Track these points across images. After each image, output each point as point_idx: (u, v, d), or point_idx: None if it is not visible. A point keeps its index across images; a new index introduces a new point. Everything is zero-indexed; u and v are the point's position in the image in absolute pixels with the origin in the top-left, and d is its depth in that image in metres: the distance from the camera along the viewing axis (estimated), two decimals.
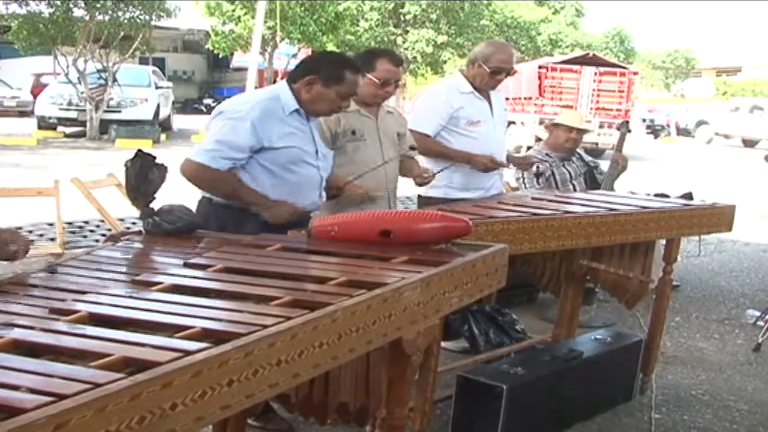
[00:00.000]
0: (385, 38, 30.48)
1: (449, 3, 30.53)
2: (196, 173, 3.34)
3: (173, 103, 24.45)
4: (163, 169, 3.00)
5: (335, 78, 3.36)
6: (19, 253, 2.47)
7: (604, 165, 6.04)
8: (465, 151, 4.47)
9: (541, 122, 18.30)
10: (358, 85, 3.50)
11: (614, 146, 6.10)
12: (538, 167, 5.56)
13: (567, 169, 5.68)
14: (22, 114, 25.40)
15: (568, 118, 5.84)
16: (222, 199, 3.41)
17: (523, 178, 5.58)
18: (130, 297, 2.12)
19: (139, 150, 3.03)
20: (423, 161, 4.48)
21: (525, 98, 20.43)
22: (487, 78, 4.48)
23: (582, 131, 5.76)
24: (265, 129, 3.31)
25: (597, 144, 18.29)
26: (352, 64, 3.50)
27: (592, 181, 5.82)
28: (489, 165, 4.48)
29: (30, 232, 7.66)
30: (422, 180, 4.19)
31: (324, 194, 3.60)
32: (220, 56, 29.39)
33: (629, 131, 6.48)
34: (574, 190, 5.53)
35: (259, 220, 3.34)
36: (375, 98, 3.99)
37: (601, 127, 18.98)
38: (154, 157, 3.00)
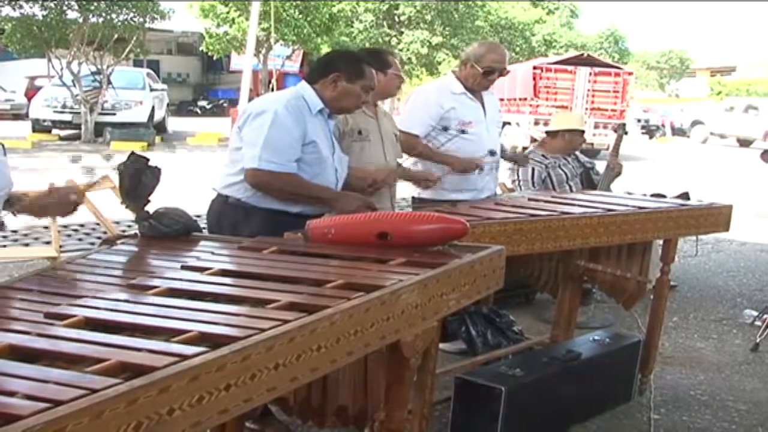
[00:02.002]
0: (380, 39, 30.46)
1: (443, 4, 30.53)
2: (268, 181, 3.35)
3: (168, 105, 24.51)
4: (156, 172, 2.97)
5: (357, 73, 3.46)
6: (79, 198, 2.81)
7: (600, 166, 6.05)
8: (449, 154, 4.43)
9: (536, 123, 18.36)
10: (375, 78, 3.58)
11: (609, 147, 6.10)
12: (533, 168, 5.58)
13: (563, 171, 5.69)
14: (17, 117, 25.43)
15: (576, 121, 5.90)
16: (273, 200, 3.42)
17: (519, 180, 5.58)
18: (127, 301, 2.11)
19: (132, 152, 3.01)
20: (409, 162, 4.51)
21: (520, 99, 20.43)
22: (479, 78, 4.47)
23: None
24: (305, 125, 3.37)
25: (592, 144, 18.30)
26: (365, 59, 3.60)
27: (589, 182, 5.82)
28: (471, 167, 4.41)
29: (25, 235, 7.65)
30: (426, 185, 4.25)
31: None
32: (215, 58, 29.37)
33: (626, 133, 6.50)
34: (571, 191, 5.54)
35: (267, 218, 3.37)
36: (396, 90, 4.19)
37: (596, 127, 19.01)
38: (148, 159, 2.97)
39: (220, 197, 3.54)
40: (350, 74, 3.44)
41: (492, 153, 4.58)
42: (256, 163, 3.31)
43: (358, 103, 3.56)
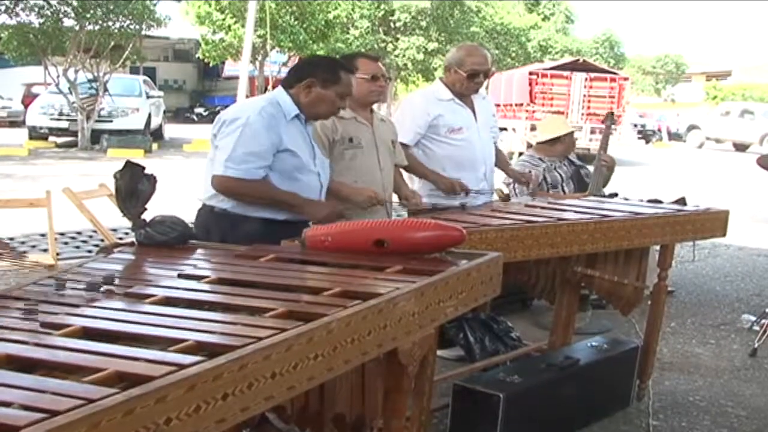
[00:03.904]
0: (376, 45, 30.44)
1: (439, 10, 30.54)
2: (234, 188, 3.34)
3: (164, 112, 24.46)
4: (152, 180, 2.98)
5: (332, 79, 3.42)
6: None
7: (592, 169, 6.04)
8: (436, 172, 4.41)
9: (532, 128, 18.38)
10: (352, 84, 3.54)
11: (600, 145, 6.04)
12: (530, 171, 5.61)
13: (559, 173, 5.76)
14: (13, 124, 25.39)
15: (565, 124, 5.95)
16: (259, 207, 3.39)
17: (515, 185, 5.59)
18: (124, 310, 2.10)
19: (128, 161, 3.01)
20: (405, 176, 4.49)
21: (516, 105, 20.47)
22: (465, 82, 4.44)
23: None
24: (278, 131, 3.34)
25: (589, 150, 18.31)
26: (343, 64, 3.58)
27: (580, 181, 5.85)
28: (455, 189, 4.38)
29: (22, 243, 7.63)
30: (409, 205, 4.21)
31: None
32: (211, 65, 29.36)
33: (614, 123, 6.50)
34: (564, 192, 5.58)
35: (258, 226, 3.34)
36: (371, 95, 4.01)
37: (592, 132, 19.02)
38: (143, 168, 2.98)
39: (205, 207, 3.51)
40: (325, 80, 3.40)
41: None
42: (221, 170, 3.31)
43: (333, 110, 3.52)
